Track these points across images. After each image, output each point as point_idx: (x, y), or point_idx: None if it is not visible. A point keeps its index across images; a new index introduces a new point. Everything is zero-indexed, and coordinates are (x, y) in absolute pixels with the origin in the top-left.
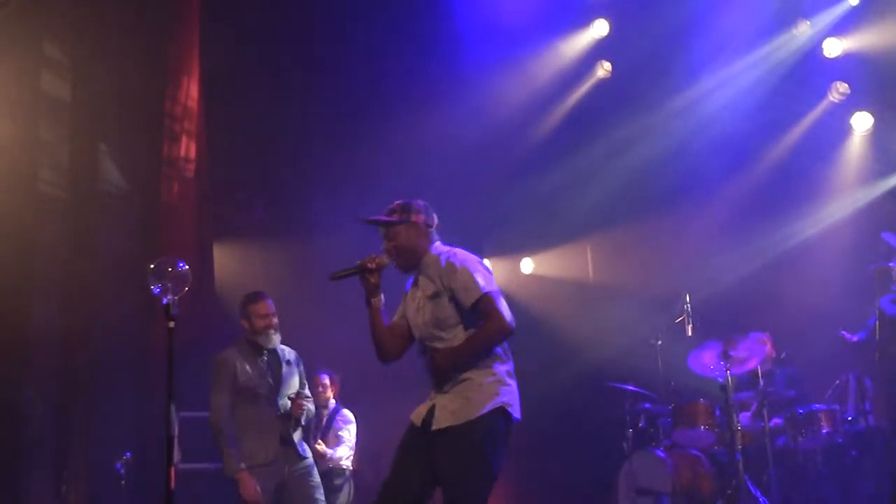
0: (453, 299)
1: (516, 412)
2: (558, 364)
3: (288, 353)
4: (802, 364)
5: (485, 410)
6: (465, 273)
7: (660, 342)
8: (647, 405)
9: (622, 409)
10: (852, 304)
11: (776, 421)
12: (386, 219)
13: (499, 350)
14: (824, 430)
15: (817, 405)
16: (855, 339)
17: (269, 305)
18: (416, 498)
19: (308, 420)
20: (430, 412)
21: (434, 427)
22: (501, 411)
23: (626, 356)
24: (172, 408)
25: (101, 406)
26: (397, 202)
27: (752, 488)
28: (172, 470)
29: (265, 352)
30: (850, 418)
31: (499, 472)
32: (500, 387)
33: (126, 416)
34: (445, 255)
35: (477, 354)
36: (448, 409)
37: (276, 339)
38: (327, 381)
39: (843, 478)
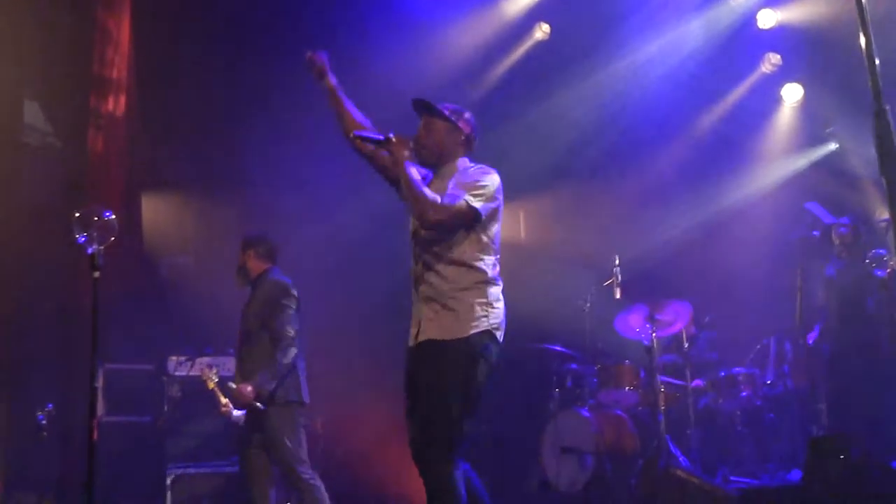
0: None
1: (501, 336)
2: None
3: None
4: (725, 328)
5: (473, 331)
6: (472, 179)
7: (588, 304)
8: (573, 366)
9: (549, 369)
10: (776, 271)
11: (697, 383)
12: (436, 107)
13: (489, 273)
14: (743, 393)
15: (738, 368)
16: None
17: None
18: None
19: None
20: (418, 328)
21: (420, 338)
22: (489, 334)
23: (554, 317)
24: (96, 359)
25: (24, 357)
26: (453, 105)
27: (672, 448)
28: (95, 422)
29: None
30: (769, 381)
31: (480, 397)
32: (489, 309)
33: (49, 367)
34: (473, 167)
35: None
36: (434, 323)
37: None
38: None
39: (760, 438)
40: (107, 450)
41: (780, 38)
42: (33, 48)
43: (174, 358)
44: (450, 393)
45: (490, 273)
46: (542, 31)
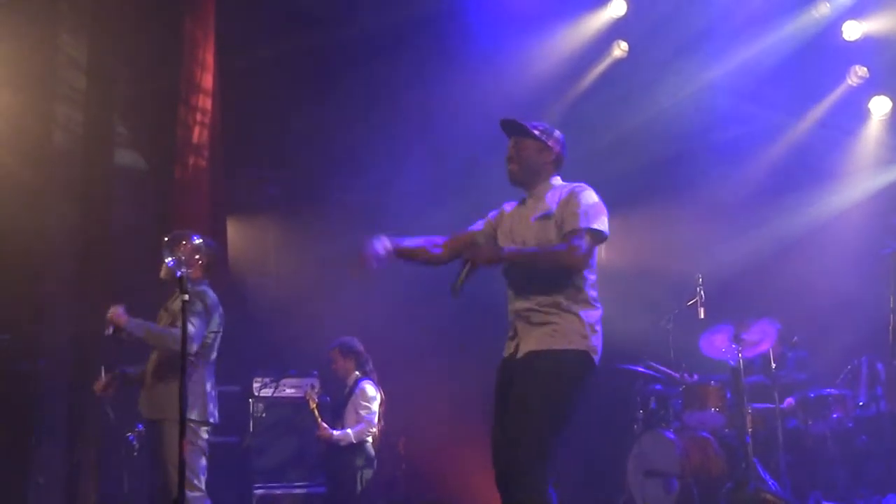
0: (559, 226)
1: (598, 360)
2: None
3: None
4: (814, 348)
5: (570, 346)
6: (585, 203)
7: (672, 324)
8: (657, 387)
9: (633, 391)
10: (865, 289)
11: (790, 401)
12: (528, 126)
13: (590, 293)
14: (835, 415)
15: (828, 389)
16: None
17: None
18: None
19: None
20: (517, 341)
21: (519, 353)
22: (586, 354)
23: (638, 338)
24: (185, 381)
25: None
26: (542, 124)
27: (761, 471)
28: (185, 442)
29: None
30: (861, 403)
31: (569, 416)
32: (588, 332)
33: (140, 388)
34: (570, 186)
35: (533, 264)
36: (533, 337)
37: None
38: (335, 354)
39: (853, 462)
40: None
41: (866, 50)
42: (123, 74)
43: (259, 379)
44: (540, 404)
45: (592, 293)
46: (620, 49)
